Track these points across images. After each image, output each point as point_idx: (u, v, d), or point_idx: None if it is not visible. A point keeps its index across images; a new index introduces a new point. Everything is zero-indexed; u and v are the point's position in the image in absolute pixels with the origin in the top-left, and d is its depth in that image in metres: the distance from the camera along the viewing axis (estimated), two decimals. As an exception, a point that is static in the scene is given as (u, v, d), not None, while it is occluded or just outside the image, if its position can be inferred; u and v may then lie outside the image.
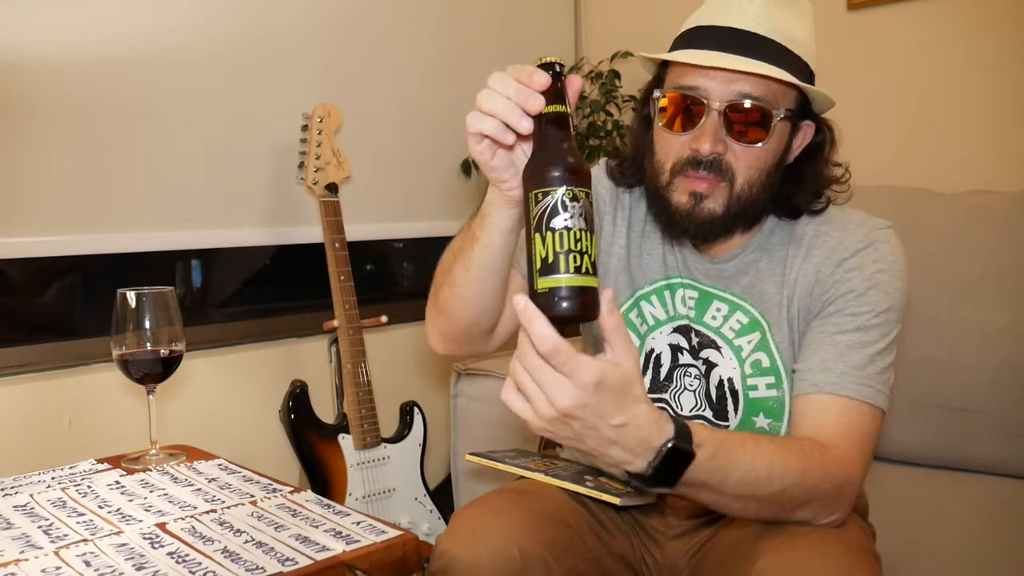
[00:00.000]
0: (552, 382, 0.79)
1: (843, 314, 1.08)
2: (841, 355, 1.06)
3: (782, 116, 1.08)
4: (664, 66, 1.15)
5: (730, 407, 1.16)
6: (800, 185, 1.14)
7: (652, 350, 1.21)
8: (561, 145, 0.83)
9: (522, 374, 0.81)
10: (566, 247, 0.78)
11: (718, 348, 1.17)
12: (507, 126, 0.86)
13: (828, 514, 1.00)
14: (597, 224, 1.22)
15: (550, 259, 0.78)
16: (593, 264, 0.80)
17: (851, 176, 1.18)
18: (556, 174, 0.80)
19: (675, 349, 1.20)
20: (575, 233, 0.78)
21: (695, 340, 1.19)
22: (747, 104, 1.06)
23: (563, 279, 0.78)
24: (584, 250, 0.79)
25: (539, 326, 0.78)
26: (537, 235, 0.79)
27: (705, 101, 1.06)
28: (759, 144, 1.07)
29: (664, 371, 1.20)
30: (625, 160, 1.23)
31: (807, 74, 1.10)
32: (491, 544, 1.01)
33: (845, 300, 1.09)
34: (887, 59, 2.04)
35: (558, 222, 0.79)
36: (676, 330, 1.20)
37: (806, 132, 1.15)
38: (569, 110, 0.86)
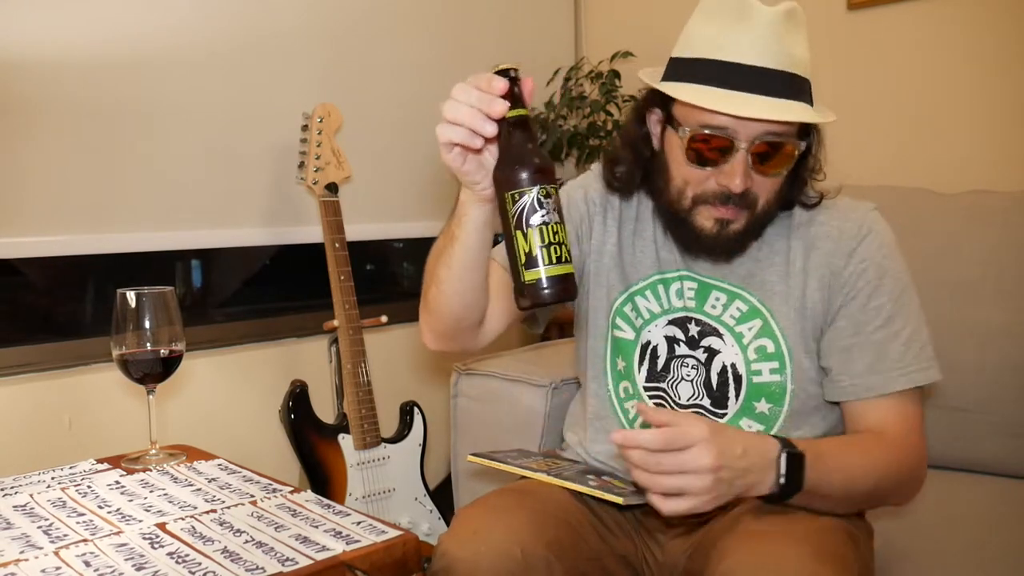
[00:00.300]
0: (687, 459, 0.92)
1: (867, 310, 1.14)
2: (883, 353, 1.13)
3: (800, 148, 1.13)
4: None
5: (731, 393, 1.19)
6: (795, 182, 1.18)
7: (648, 342, 1.24)
8: (527, 146, 0.91)
9: (666, 479, 0.92)
10: (545, 241, 0.87)
11: (720, 335, 1.20)
12: (474, 132, 0.93)
13: (912, 496, 1.15)
14: (588, 226, 1.28)
15: (533, 252, 0.87)
16: (568, 251, 0.89)
17: (823, 164, 1.21)
18: (527, 175, 0.88)
19: (671, 341, 1.22)
20: (552, 227, 0.87)
21: (695, 330, 1.21)
22: (773, 142, 1.09)
23: (545, 270, 0.87)
24: (560, 241, 0.88)
25: (643, 436, 0.92)
26: (518, 232, 0.88)
27: (732, 140, 1.08)
28: (781, 174, 1.13)
29: (661, 362, 1.23)
30: (622, 167, 1.25)
31: (811, 91, 1.12)
32: (493, 544, 1.01)
33: (866, 295, 1.14)
34: (887, 59, 2.04)
35: (535, 219, 0.87)
36: (672, 322, 1.22)
37: None
38: (528, 112, 0.92)
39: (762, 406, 1.18)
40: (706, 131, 1.09)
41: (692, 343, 1.21)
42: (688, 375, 1.21)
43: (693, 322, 1.21)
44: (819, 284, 1.16)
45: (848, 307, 1.15)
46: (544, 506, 1.10)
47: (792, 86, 1.08)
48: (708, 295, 1.21)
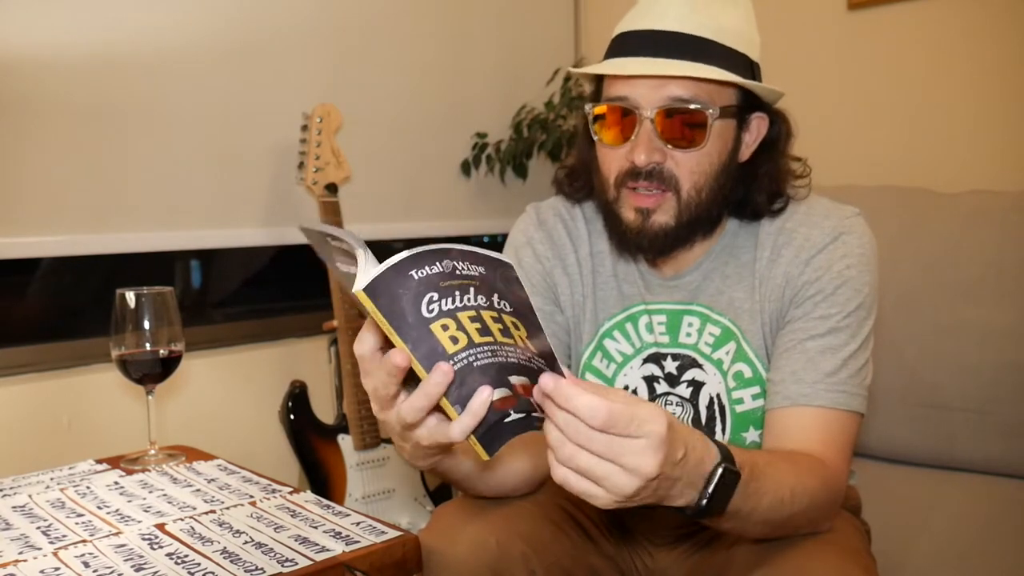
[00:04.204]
0: (628, 451, 0.70)
1: (811, 318, 1.05)
2: (812, 362, 1.03)
3: (718, 116, 1.04)
4: (602, 77, 1.11)
5: (718, 427, 1.11)
6: (755, 183, 1.10)
7: (625, 387, 1.15)
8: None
9: (583, 457, 0.71)
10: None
11: (700, 366, 1.12)
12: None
13: (825, 526, 1.00)
14: (553, 284, 1.18)
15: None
16: None
17: (811, 171, 1.13)
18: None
19: (650, 380, 1.15)
20: None
21: (673, 365, 1.14)
22: (678, 108, 1.02)
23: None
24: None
25: (582, 401, 0.70)
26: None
27: (636, 110, 1.03)
28: (698, 148, 1.04)
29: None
30: (574, 172, 1.19)
31: (745, 65, 1.05)
32: (468, 535, 1.00)
33: (813, 302, 1.05)
34: (887, 59, 2.04)
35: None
36: (647, 360, 1.15)
37: (759, 126, 1.10)
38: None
39: (752, 435, 1.10)
40: (608, 102, 1.05)
41: (672, 379, 1.13)
42: (673, 413, 1.10)
43: (669, 357, 1.14)
44: (776, 295, 1.08)
45: (793, 314, 1.06)
46: (522, 503, 1.08)
47: (701, 50, 1.01)
48: (680, 324, 1.13)
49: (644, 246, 1.08)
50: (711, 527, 0.91)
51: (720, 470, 0.79)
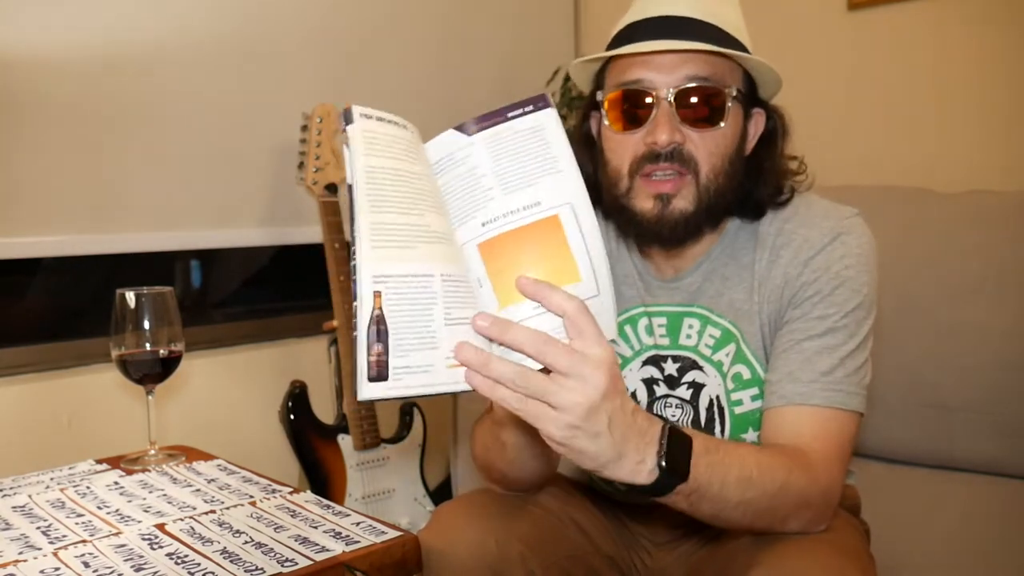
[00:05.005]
0: (555, 388, 0.74)
1: (809, 318, 1.05)
2: (808, 362, 1.02)
3: (734, 95, 1.04)
4: (603, 71, 1.11)
5: (718, 429, 1.11)
6: (760, 177, 1.10)
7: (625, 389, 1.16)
8: None
9: (513, 398, 0.75)
10: None
11: (700, 368, 1.12)
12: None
13: (818, 522, 0.99)
14: None
15: None
16: None
17: (807, 168, 1.14)
18: None
19: (649, 383, 1.15)
20: None
21: (673, 367, 1.14)
22: (697, 86, 1.02)
23: None
24: None
25: (519, 335, 0.75)
26: None
27: (653, 92, 1.03)
28: (717, 127, 1.04)
29: (642, 408, 1.15)
30: None
31: (737, 46, 1.06)
32: (468, 536, 1.00)
33: (812, 303, 1.05)
34: (887, 59, 2.04)
35: None
36: (646, 363, 1.15)
37: (758, 120, 1.11)
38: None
39: (751, 436, 1.10)
40: (623, 87, 1.05)
41: (672, 382, 1.13)
42: (673, 415, 1.12)
43: (669, 359, 1.13)
44: (775, 295, 1.08)
45: (791, 315, 1.06)
46: (523, 503, 1.08)
47: (713, 34, 1.02)
48: (680, 326, 1.13)
49: (664, 235, 1.06)
50: (693, 514, 0.90)
51: (668, 430, 0.83)
